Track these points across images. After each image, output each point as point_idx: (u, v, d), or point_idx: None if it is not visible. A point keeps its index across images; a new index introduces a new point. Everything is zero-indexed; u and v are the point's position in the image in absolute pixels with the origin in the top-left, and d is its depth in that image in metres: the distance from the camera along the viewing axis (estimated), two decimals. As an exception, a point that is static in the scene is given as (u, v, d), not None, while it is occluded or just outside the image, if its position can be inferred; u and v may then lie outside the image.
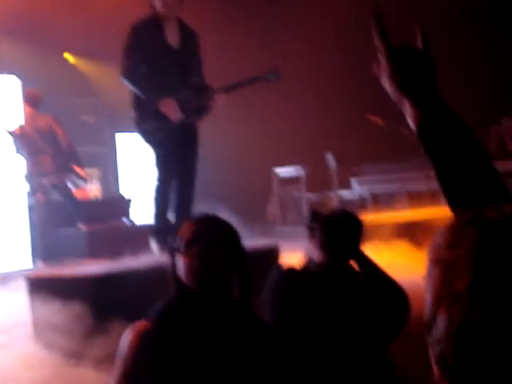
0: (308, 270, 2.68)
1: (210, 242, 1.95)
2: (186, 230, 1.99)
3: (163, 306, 1.97)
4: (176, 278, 1.98)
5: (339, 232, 2.69)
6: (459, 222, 0.82)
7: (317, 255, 2.68)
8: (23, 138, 7.10)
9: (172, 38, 4.90)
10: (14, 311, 4.57)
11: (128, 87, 4.85)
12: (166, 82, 4.80)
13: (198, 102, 4.90)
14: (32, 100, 7.28)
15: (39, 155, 7.07)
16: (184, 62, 4.92)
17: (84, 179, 7.63)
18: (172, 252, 2.00)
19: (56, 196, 7.44)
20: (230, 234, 2.01)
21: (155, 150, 4.88)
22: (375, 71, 1.28)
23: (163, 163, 4.86)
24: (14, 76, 9.62)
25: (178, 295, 1.98)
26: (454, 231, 0.80)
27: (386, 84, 1.27)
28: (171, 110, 4.75)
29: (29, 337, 4.09)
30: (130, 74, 4.77)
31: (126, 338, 1.89)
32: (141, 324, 1.91)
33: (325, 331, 2.57)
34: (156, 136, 4.82)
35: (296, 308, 2.58)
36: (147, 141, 4.90)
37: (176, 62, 4.87)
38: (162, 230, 4.89)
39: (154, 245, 4.93)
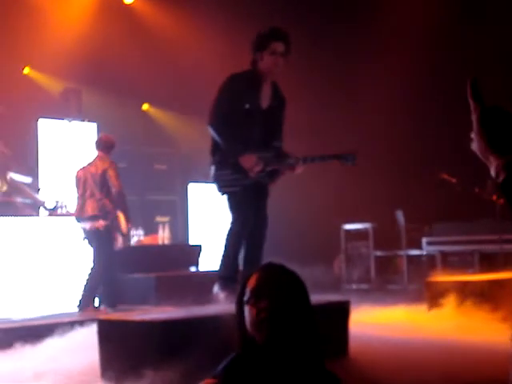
0: None
1: (277, 293, 1.93)
2: (252, 281, 1.98)
3: (229, 361, 1.95)
4: (242, 330, 1.97)
5: None
6: None
7: None
8: (80, 181, 7.13)
9: (264, 98, 4.96)
10: (83, 353, 4.65)
11: (212, 135, 4.92)
12: (250, 139, 4.87)
13: (276, 165, 4.97)
14: (104, 144, 7.33)
15: (88, 199, 7.05)
16: (270, 124, 4.98)
17: (122, 231, 7.30)
18: (239, 303, 2.00)
19: (92, 241, 7.25)
20: (295, 285, 1.99)
21: (229, 200, 4.95)
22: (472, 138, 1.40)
23: (237, 212, 4.91)
24: (94, 124, 9.99)
25: (244, 349, 1.96)
26: None
27: (475, 142, 1.37)
28: (252, 166, 4.81)
29: (98, 379, 4.14)
30: (218, 123, 4.85)
31: None
32: (207, 381, 1.91)
33: None
34: (230, 188, 4.89)
35: None
36: (220, 189, 4.97)
37: (263, 122, 4.92)
38: (229, 277, 4.90)
39: (218, 291, 4.94)
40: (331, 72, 10.85)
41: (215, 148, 4.93)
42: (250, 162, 4.80)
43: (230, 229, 4.94)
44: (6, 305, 6.72)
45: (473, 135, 1.38)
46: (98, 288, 7.02)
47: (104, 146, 7.22)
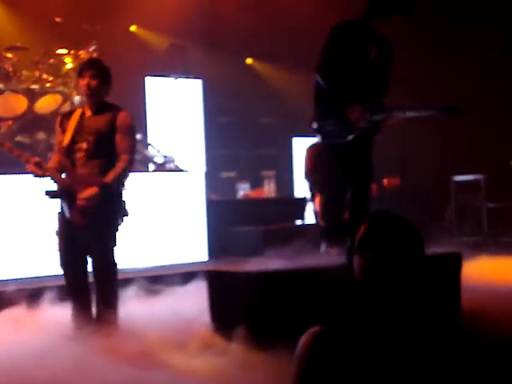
0: None
1: (386, 243, 1.82)
2: (361, 230, 1.89)
3: (337, 311, 1.94)
4: (351, 280, 1.90)
5: None
6: None
7: None
8: None
9: (371, 46, 4.84)
10: (194, 302, 4.76)
11: (319, 82, 4.76)
12: (357, 88, 4.74)
13: (382, 115, 4.82)
14: None
15: None
16: (377, 73, 4.86)
17: None
18: (348, 252, 1.92)
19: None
20: (408, 235, 1.86)
21: (330, 150, 4.86)
22: None
23: (339, 164, 4.81)
24: (199, 80, 10.04)
25: (353, 299, 1.91)
26: None
27: None
28: (357, 118, 4.68)
29: (207, 326, 4.24)
30: (326, 69, 4.71)
31: (301, 339, 1.89)
32: (316, 327, 1.88)
33: None
34: (333, 139, 4.79)
35: None
36: (322, 140, 4.86)
37: (370, 72, 4.81)
38: (333, 230, 4.83)
39: (328, 249, 4.88)
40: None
41: (321, 96, 4.80)
42: (356, 113, 4.65)
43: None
44: (119, 256, 6.97)
45: None
46: None
47: None
